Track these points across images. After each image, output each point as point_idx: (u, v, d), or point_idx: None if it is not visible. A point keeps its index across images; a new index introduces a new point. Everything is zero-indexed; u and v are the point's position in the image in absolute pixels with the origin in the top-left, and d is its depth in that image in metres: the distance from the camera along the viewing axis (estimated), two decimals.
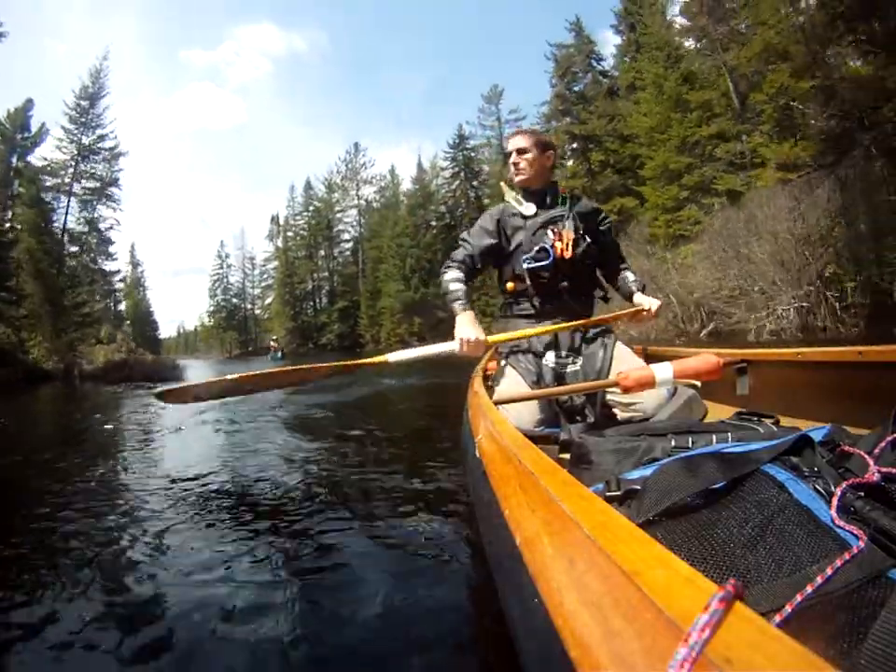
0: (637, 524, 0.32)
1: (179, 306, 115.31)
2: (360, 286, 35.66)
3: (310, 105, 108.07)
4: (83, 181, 20.92)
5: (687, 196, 16.65)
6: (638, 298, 1.57)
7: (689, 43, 18.80)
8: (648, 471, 0.62)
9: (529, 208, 1.53)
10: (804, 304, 10.19)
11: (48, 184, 19.43)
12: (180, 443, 2.89)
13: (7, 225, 15.92)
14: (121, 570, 1.15)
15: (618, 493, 0.59)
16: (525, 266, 1.47)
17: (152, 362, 12.41)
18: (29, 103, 18.60)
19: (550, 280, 1.48)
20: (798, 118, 13.50)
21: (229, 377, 1.67)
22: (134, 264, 42.04)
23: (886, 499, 0.47)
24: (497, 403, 1.17)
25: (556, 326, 1.46)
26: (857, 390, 1.07)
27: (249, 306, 45.42)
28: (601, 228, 1.59)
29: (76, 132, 20.76)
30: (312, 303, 39.83)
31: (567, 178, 20.98)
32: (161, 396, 1.84)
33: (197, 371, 12.09)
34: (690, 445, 0.80)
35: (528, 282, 1.49)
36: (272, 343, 24.64)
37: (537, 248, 1.46)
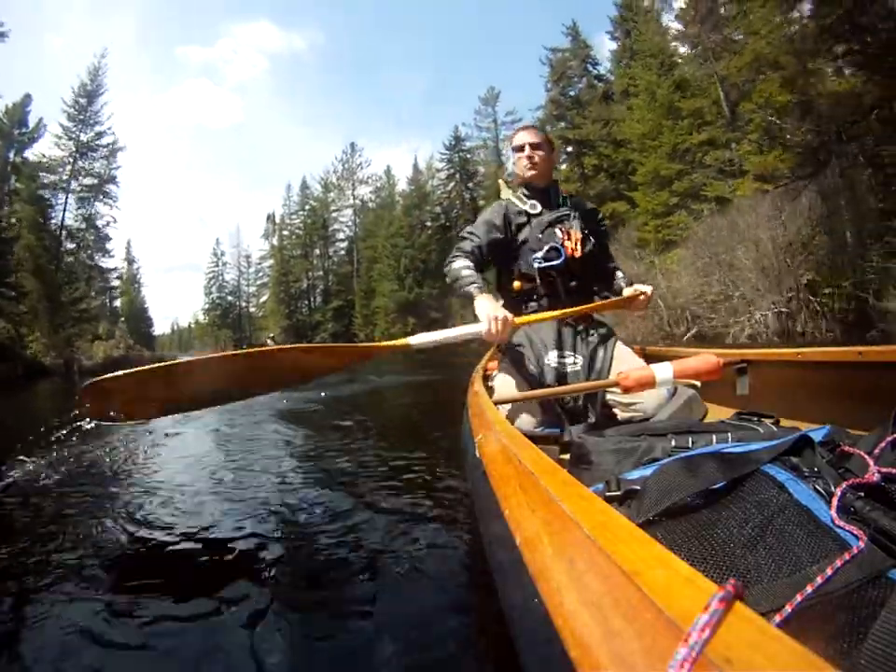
0: (637, 524, 0.32)
1: (173, 303, 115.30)
2: (355, 285, 35.71)
3: (309, 104, 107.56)
4: (81, 178, 20.91)
5: (677, 202, 16.80)
6: (632, 287, 1.55)
7: (683, 49, 18.89)
8: (648, 471, 0.62)
9: (534, 206, 1.52)
10: (783, 310, 10.49)
11: (45, 181, 19.41)
12: (179, 441, 2.88)
13: (8, 221, 15.90)
14: (116, 567, 1.16)
15: (618, 493, 0.59)
16: (535, 265, 1.45)
17: (151, 358, 12.41)
18: (27, 98, 18.58)
19: (559, 279, 1.46)
20: (777, 132, 13.59)
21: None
22: (130, 261, 42.21)
23: (886, 500, 0.47)
24: (497, 403, 1.17)
25: (568, 311, 1.41)
26: (857, 390, 1.07)
27: (244, 304, 45.23)
28: (601, 228, 1.60)
29: (74, 129, 20.76)
30: (306, 302, 39.82)
31: (560, 182, 21.02)
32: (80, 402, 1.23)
33: None
34: (690, 445, 0.80)
35: (538, 281, 1.46)
36: (268, 339, 24.55)
37: (548, 247, 1.44)
